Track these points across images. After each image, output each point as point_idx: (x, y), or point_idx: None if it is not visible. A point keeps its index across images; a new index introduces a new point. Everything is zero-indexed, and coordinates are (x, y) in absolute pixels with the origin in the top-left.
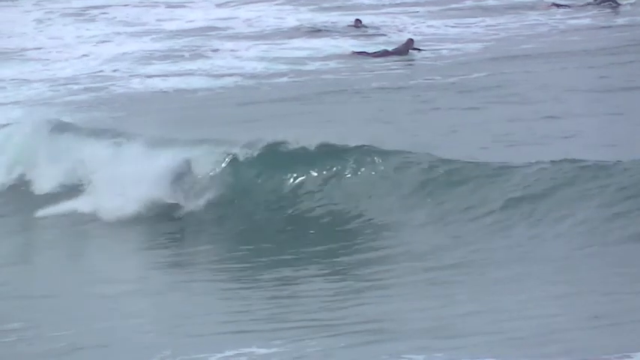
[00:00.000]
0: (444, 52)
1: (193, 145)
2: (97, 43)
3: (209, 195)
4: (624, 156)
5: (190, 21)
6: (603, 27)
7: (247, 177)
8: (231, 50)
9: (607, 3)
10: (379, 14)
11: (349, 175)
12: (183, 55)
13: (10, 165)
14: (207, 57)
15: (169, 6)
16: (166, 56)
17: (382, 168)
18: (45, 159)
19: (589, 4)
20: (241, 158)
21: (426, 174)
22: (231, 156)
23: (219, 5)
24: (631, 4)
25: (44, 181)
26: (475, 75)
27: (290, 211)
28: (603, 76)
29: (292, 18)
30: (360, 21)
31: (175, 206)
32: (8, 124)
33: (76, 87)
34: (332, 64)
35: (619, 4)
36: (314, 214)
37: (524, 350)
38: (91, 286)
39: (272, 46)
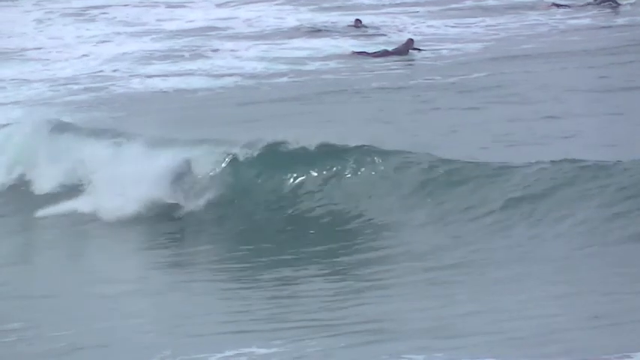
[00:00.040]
0: (444, 52)
1: (193, 145)
2: (97, 43)
3: (209, 195)
4: (624, 156)
5: (190, 21)
6: (603, 27)
7: (247, 177)
8: (231, 50)
9: (607, 3)
10: (379, 14)
11: (349, 175)
12: (183, 55)
13: (10, 165)
14: (207, 57)
15: (169, 6)
16: (166, 56)
17: (382, 168)
18: (45, 159)
19: (589, 4)
20: (241, 158)
21: (426, 174)
22: (231, 156)
23: (219, 5)
24: (631, 4)
25: (44, 181)
26: (475, 75)
27: (290, 211)
28: (603, 76)
29: (292, 18)
30: (360, 21)
31: (175, 206)
32: (8, 124)
33: (76, 87)
34: (332, 64)
35: (619, 4)
36: (314, 214)
37: (524, 350)
38: (91, 286)
39: (272, 46)
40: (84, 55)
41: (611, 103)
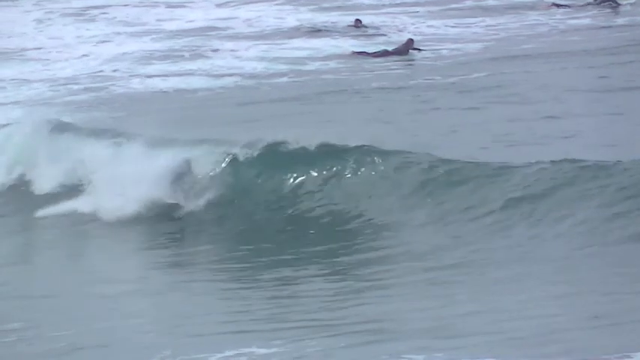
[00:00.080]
0: (444, 52)
1: (193, 145)
2: (97, 43)
3: (209, 195)
4: (624, 156)
5: (190, 21)
6: (603, 27)
7: (247, 177)
8: (231, 50)
9: (607, 3)
10: (379, 14)
11: (349, 175)
12: (183, 55)
13: (10, 165)
14: (207, 57)
15: (169, 6)
16: (166, 56)
17: (382, 168)
18: (45, 159)
19: (589, 4)
20: (241, 158)
21: (426, 174)
22: (231, 156)
23: (219, 5)
24: (631, 4)
25: (44, 181)
26: (475, 75)
27: (290, 211)
28: (603, 76)
29: (292, 18)
30: (360, 21)
31: (175, 206)
32: (8, 124)
33: (76, 87)
34: (332, 64)
35: (619, 4)
36: (314, 214)
37: (524, 350)
38: (91, 286)
39: (272, 46)
40: (84, 55)
41: (611, 103)
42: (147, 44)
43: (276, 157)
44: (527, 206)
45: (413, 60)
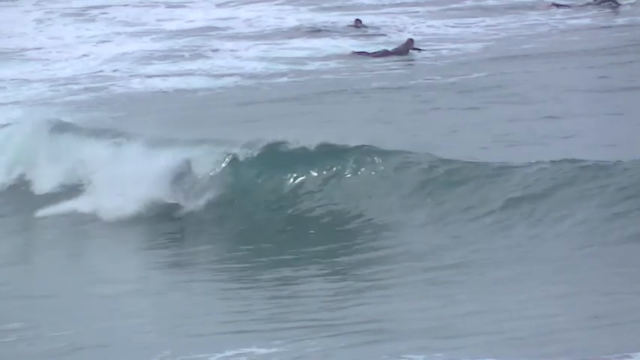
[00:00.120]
0: (444, 52)
1: (193, 145)
2: (97, 43)
3: (209, 195)
4: (624, 156)
5: (190, 21)
6: (603, 27)
7: (247, 177)
8: (231, 50)
9: (607, 3)
10: (379, 14)
11: (349, 175)
12: (183, 55)
13: (10, 165)
14: (207, 57)
15: (169, 6)
16: (166, 56)
17: (382, 168)
18: (45, 159)
19: (589, 4)
20: (241, 158)
21: (426, 174)
22: (231, 156)
23: (219, 5)
24: (631, 4)
25: (44, 181)
26: (475, 75)
27: (290, 211)
28: (603, 76)
29: (292, 18)
30: (360, 21)
31: (175, 206)
32: (8, 124)
33: (76, 87)
34: (332, 64)
35: (619, 4)
36: (314, 214)
37: (524, 350)
38: (91, 286)
39: (272, 46)
40: (84, 55)
41: (611, 103)
42: (147, 44)
43: (276, 157)
44: (527, 206)
45: (413, 60)
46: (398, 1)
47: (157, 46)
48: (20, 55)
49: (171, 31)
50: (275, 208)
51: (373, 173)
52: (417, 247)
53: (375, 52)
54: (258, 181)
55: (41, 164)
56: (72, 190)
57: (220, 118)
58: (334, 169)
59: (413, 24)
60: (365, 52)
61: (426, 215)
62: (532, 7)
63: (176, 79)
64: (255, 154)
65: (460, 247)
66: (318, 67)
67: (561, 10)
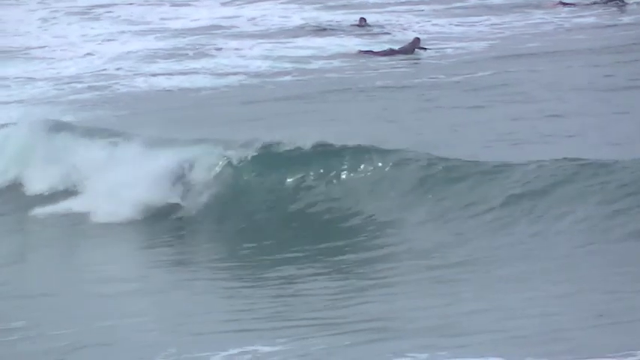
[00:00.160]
0: (449, 50)
1: (194, 144)
2: (102, 41)
3: (209, 194)
4: (628, 155)
5: (195, 20)
6: (609, 25)
7: (248, 176)
8: (236, 49)
9: (613, 2)
10: (384, 13)
11: (350, 174)
12: (187, 54)
13: (8, 165)
14: (211, 56)
15: (174, 4)
16: (170, 55)
17: (383, 166)
18: (43, 159)
19: (595, 2)
20: (242, 157)
21: (425, 172)
22: (232, 154)
23: (224, 4)
24: (637, 2)
25: (43, 181)
26: (480, 74)
27: (291, 210)
28: (608, 75)
29: (297, 17)
30: (365, 20)
31: (176, 205)
32: (7, 124)
33: (80, 86)
34: (336, 62)
35: (625, 3)
36: (315, 213)
37: (528, 349)
38: (92, 284)
39: (276, 44)
40: (88, 54)
41: (616, 101)
42: (151, 43)
43: (278, 157)
44: (528, 203)
45: (418, 59)
46: (403, 0)
47: (162, 44)
48: (25, 54)
49: (175, 30)
50: (276, 207)
51: (375, 171)
52: (420, 244)
53: (381, 51)
54: (260, 179)
55: (39, 164)
56: (71, 189)
57: (224, 116)
58: (335, 167)
59: (418, 22)
60: (371, 51)
61: (427, 213)
62: (537, 6)
63: (180, 78)
64: (256, 153)
65: (463, 244)
66: (322, 65)
67: (567, 8)
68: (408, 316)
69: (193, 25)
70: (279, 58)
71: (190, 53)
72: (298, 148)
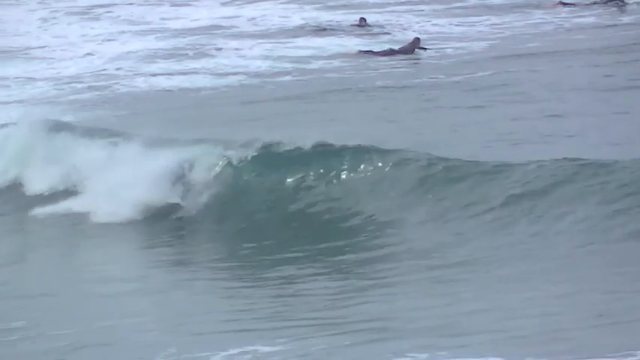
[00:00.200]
0: (449, 50)
1: (194, 144)
2: (102, 41)
3: (209, 194)
4: (628, 155)
5: (195, 20)
6: (609, 25)
7: (248, 176)
8: (236, 49)
9: (613, 2)
10: (384, 13)
11: (350, 174)
12: (187, 54)
13: (8, 165)
14: (211, 56)
15: (174, 4)
16: (170, 55)
17: (383, 166)
18: (43, 159)
19: (595, 2)
20: (242, 157)
21: (425, 172)
22: (232, 154)
23: (224, 4)
24: (637, 2)
25: (43, 181)
26: (480, 74)
27: (292, 210)
28: (608, 75)
29: (297, 17)
30: (365, 20)
31: (176, 205)
32: (7, 124)
33: (80, 86)
34: (336, 62)
35: (625, 3)
36: (314, 213)
37: (528, 349)
38: (92, 284)
39: (276, 44)
40: (88, 54)
41: (616, 101)
42: (151, 43)
43: (278, 156)
44: (528, 203)
45: (418, 59)
46: (403, 0)
47: (162, 44)
48: (25, 54)
49: (175, 30)
50: (276, 207)
51: (373, 171)
52: (420, 244)
53: (381, 51)
54: (260, 179)
55: (39, 164)
56: (70, 189)
57: (224, 116)
58: (335, 167)
59: (418, 22)
60: (371, 51)
61: (427, 213)
62: (537, 6)
63: (180, 78)
64: (256, 153)
65: (463, 244)
66: (322, 65)
67: (567, 8)
68: (408, 316)
69: (193, 25)
70: (279, 58)
71: (190, 53)
72: (298, 148)
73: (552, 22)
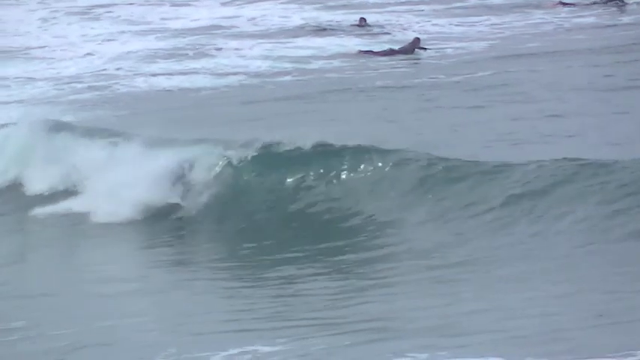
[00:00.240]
0: (449, 50)
1: (194, 144)
2: (102, 41)
3: (209, 194)
4: (628, 155)
5: (195, 20)
6: (609, 25)
7: (248, 176)
8: (236, 49)
9: (613, 2)
10: (384, 13)
11: (350, 174)
12: (187, 54)
13: (8, 165)
14: (211, 56)
15: (174, 4)
16: (171, 55)
17: (383, 166)
18: (43, 159)
19: (595, 2)
20: (242, 157)
21: (425, 172)
22: (232, 154)
23: (224, 4)
24: (637, 2)
25: (43, 181)
26: (480, 74)
27: (292, 210)
28: (608, 75)
29: (297, 17)
30: (365, 20)
31: (176, 205)
32: (7, 124)
33: (80, 86)
34: (336, 62)
35: (625, 3)
36: (314, 212)
37: (528, 349)
38: (92, 284)
39: (276, 44)
40: (88, 54)
41: (616, 101)
42: (151, 43)
43: (277, 157)
44: (527, 203)
45: (418, 59)
46: (403, 0)
47: (162, 44)
48: (25, 54)
49: (175, 30)
50: (276, 207)
51: (373, 171)
52: (420, 244)
53: (381, 51)
54: (260, 179)
55: (39, 164)
56: (70, 189)
57: (224, 116)
58: (335, 167)
59: (418, 22)
60: (371, 51)
61: (427, 213)
62: (537, 6)
63: (180, 78)
64: (256, 153)
65: (463, 244)
66: (322, 65)
67: (567, 8)
68: (408, 316)
69: (193, 25)
70: (279, 58)
71: (190, 53)
72: (298, 148)
73: (552, 22)
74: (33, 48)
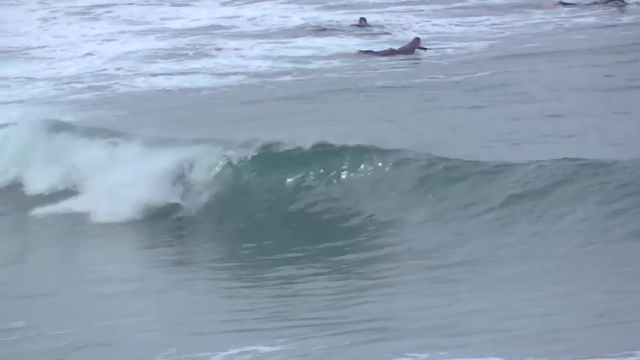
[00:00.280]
0: (449, 50)
1: (194, 144)
2: (102, 41)
3: (209, 194)
4: (628, 155)
5: (195, 20)
6: (609, 25)
7: (248, 176)
8: (236, 49)
9: (613, 2)
10: (384, 13)
11: (350, 174)
12: (187, 54)
13: (8, 165)
14: (211, 56)
15: (174, 4)
16: (171, 55)
17: (383, 166)
18: (43, 159)
19: (595, 2)
20: (242, 157)
21: (425, 172)
22: (232, 154)
23: (224, 4)
24: (637, 2)
25: (43, 181)
26: (480, 74)
27: (292, 210)
28: (608, 75)
29: (297, 17)
30: (365, 20)
31: (176, 205)
32: (7, 124)
33: (80, 86)
34: (336, 62)
35: (625, 3)
36: (314, 212)
37: (528, 349)
38: (92, 284)
39: (276, 44)
40: (88, 54)
41: (616, 101)
42: (151, 43)
43: (277, 157)
44: (527, 203)
45: (418, 59)
46: (403, 0)
47: (162, 44)
48: (25, 54)
49: (175, 30)
50: (276, 207)
51: (373, 171)
52: (420, 244)
53: (381, 51)
54: (260, 179)
55: (39, 164)
56: (70, 189)
57: (224, 116)
58: (335, 167)
59: (418, 22)
60: (371, 51)
61: (427, 213)
62: (537, 6)
63: (180, 78)
64: (256, 153)
65: (463, 244)
66: (322, 65)
67: (567, 8)
68: (408, 316)
69: (193, 25)
70: (279, 58)
71: (190, 53)
72: (298, 148)
73: (552, 22)
74: (33, 48)
